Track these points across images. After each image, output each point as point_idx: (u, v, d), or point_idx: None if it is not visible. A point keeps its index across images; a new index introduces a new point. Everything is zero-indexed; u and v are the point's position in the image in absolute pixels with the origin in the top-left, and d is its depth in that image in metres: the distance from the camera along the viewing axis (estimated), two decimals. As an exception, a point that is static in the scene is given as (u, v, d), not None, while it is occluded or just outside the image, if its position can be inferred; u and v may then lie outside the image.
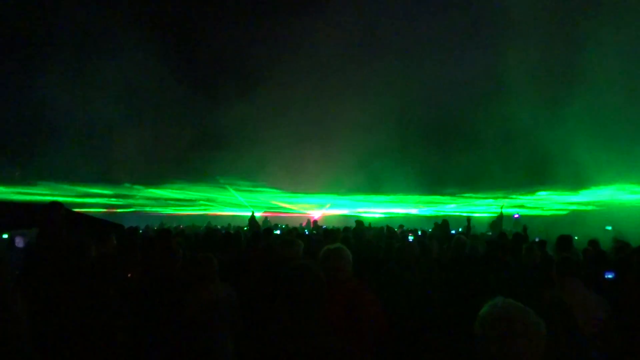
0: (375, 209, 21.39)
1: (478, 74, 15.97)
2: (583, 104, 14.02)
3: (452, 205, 20.84)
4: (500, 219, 11.52)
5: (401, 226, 11.74)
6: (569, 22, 14.64)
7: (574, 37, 14.30)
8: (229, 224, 15.36)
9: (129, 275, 3.49)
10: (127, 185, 19.44)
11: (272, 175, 19.38)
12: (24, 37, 15.30)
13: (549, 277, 3.10)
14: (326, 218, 20.01)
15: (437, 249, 5.70)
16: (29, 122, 16.24)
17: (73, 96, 15.26)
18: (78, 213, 7.47)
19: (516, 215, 14.86)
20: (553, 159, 15.35)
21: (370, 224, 11.64)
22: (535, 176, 17.37)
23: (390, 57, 17.54)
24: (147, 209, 20.22)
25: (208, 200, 21.27)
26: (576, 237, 6.49)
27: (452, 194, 20.72)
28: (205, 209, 21.17)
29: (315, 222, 14.18)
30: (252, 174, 19.93)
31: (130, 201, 19.92)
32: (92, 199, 18.63)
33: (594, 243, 6.24)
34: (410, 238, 7.08)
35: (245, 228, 11.83)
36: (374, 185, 19.77)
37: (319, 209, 21.08)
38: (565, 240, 4.77)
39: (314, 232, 11.12)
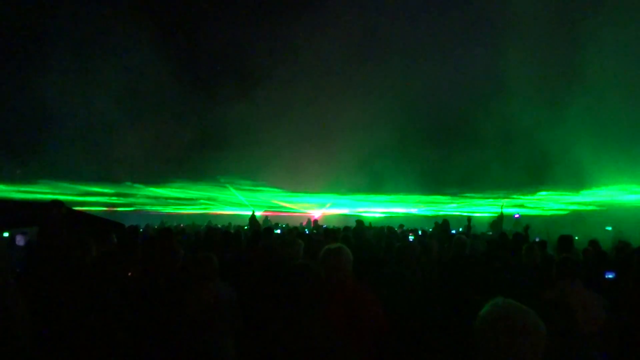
0: (375, 209, 21.41)
1: (479, 74, 15.98)
2: (584, 104, 14.02)
3: (453, 205, 20.85)
4: (500, 218, 11.51)
5: (401, 226, 11.75)
6: (570, 22, 14.63)
7: (575, 37, 14.28)
8: (229, 223, 15.36)
9: (129, 274, 3.49)
10: (128, 184, 19.47)
11: (272, 174, 19.39)
12: (25, 35, 15.31)
13: (549, 277, 3.10)
14: (326, 217, 20.03)
15: (438, 249, 5.70)
16: (30, 120, 16.26)
17: (74, 95, 15.28)
18: (79, 212, 7.48)
19: (517, 215, 14.86)
20: (554, 159, 15.35)
21: (370, 223, 11.64)
22: (536, 176, 17.37)
23: (390, 56, 17.56)
24: (148, 207, 20.26)
25: (209, 199, 21.30)
26: (576, 237, 6.48)
27: (452, 194, 20.73)
28: (205, 208, 21.20)
29: (315, 221, 14.18)
30: (252, 173, 19.97)
31: (131, 200, 19.96)
32: (93, 197, 18.67)
33: (594, 243, 6.24)
34: (411, 238, 7.09)
35: (246, 227, 11.83)
36: (374, 184, 19.78)
37: (319, 208, 21.10)
38: (566, 241, 4.76)
39: (314, 231, 11.12)
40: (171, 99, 18.38)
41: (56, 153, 15.45)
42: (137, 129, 17.23)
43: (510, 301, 1.43)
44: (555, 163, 15.39)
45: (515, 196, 18.98)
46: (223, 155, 18.51)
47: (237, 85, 17.73)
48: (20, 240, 5.53)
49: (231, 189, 20.60)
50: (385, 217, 20.22)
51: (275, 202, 21.10)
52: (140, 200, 20.19)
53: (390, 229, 9.26)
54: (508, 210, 14.60)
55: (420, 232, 9.71)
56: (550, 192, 18.50)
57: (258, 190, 20.88)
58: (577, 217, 15.56)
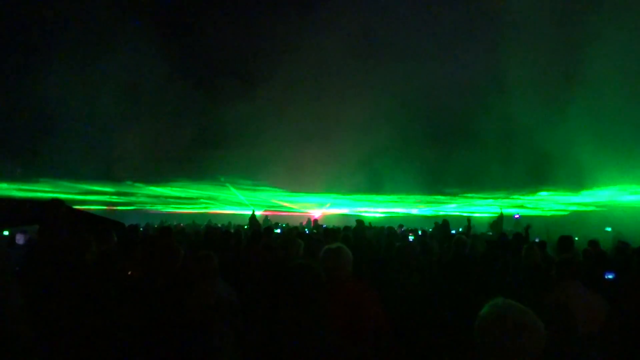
0: (375, 209, 21.42)
1: (479, 74, 15.96)
2: (584, 105, 14.01)
3: (453, 205, 20.85)
4: (500, 219, 11.51)
5: (401, 226, 11.75)
6: (571, 22, 14.62)
7: (576, 37, 14.27)
8: (230, 222, 15.37)
9: (129, 273, 3.49)
10: (129, 182, 19.47)
11: (272, 174, 19.40)
12: (25, 34, 15.31)
13: (549, 278, 3.10)
14: (326, 217, 20.04)
15: (438, 249, 5.70)
16: (30, 119, 16.26)
17: (75, 93, 15.28)
18: (79, 210, 7.48)
19: (517, 216, 14.86)
20: (555, 160, 15.35)
21: (370, 223, 11.64)
22: (536, 176, 17.37)
23: (391, 56, 17.56)
24: (148, 206, 20.26)
25: (209, 198, 21.31)
26: (576, 238, 6.49)
27: (453, 194, 20.73)
28: (206, 207, 21.20)
29: (315, 221, 14.18)
30: (253, 172, 19.97)
31: (132, 199, 19.96)
32: (93, 196, 18.67)
33: (594, 244, 6.24)
34: (411, 238, 7.10)
35: (246, 227, 11.84)
36: (374, 184, 19.79)
37: (319, 208, 21.10)
38: (566, 241, 4.76)
39: (314, 231, 11.12)
40: (172, 98, 18.39)
41: (57, 152, 15.45)
42: (137, 128, 17.25)
43: (510, 301, 1.43)
44: (555, 163, 15.39)
45: (515, 196, 19.00)
46: (223, 155, 18.52)
47: (238, 84, 17.74)
48: (20, 239, 5.53)
49: (231, 188, 20.61)
50: (385, 217, 20.24)
51: (275, 201, 21.13)
52: (141, 199, 20.22)
53: (390, 228, 9.26)
54: (508, 211, 14.61)
55: (420, 232, 9.71)
56: (550, 193, 18.51)
57: (258, 190, 20.91)
58: (577, 218, 15.57)
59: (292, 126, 17.84)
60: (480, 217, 16.42)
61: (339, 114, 17.95)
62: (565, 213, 17.56)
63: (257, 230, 5.97)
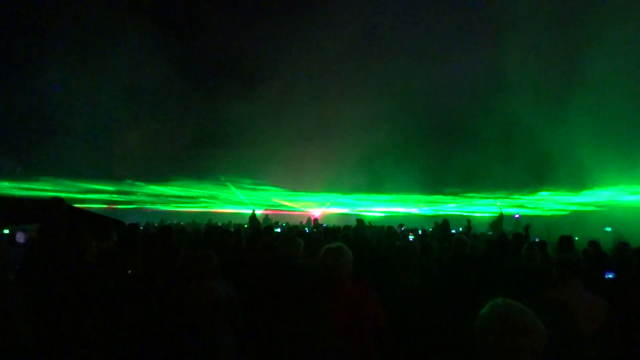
0: (375, 208, 21.43)
1: (480, 73, 15.95)
2: (584, 105, 14.00)
3: (453, 205, 20.85)
4: (500, 219, 11.52)
5: (400, 225, 11.75)
6: (572, 21, 14.60)
7: (577, 37, 14.27)
8: (230, 222, 15.38)
9: (129, 272, 3.49)
10: (129, 181, 19.48)
11: (273, 173, 19.41)
12: (26, 32, 15.31)
13: (549, 278, 3.10)
14: (326, 216, 20.05)
15: (438, 249, 5.70)
16: (31, 117, 16.27)
17: (76, 92, 15.29)
18: (79, 209, 7.49)
19: (517, 216, 14.87)
20: (555, 159, 15.35)
21: (370, 222, 11.64)
22: (537, 176, 17.37)
23: (391, 55, 17.53)
24: (149, 205, 20.26)
25: (210, 197, 21.32)
26: (576, 238, 6.48)
27: (453, 194, 20.73)
28: (206, 207, 21.21)
29: (315, 220, 14.19)
30: (253, 171, 19.99)
31: (132, 198, 19.97)
32: (94, 195, 18.68)
33: (594, 244, 6.24)
34: (411, 237, 7.09)
35: (246, 226, 11.84)
36: (374, 184, 19.80)
37: (320, 207, 21.11)
38: (566, 241, 4.76)
39: (314, 230, 11.13)
40: (172, 98, 18.40)
41: (57, 150, 15.47)
42: (138, 127, 17.26)
43: (510, 301, 1.43)
44: (557, 163, 15.39)
45: (515, 196, 18.99)
46: (224, 154, 18.52)
47: (238, 83, 17.75)
48: (20, 237, 5.53)
49: (231, 187, 20.62)
50: (385, 216, 20.24)
51: (276, 200, 21.14)
52: (141, 198, 20.23)
53: (390, 228, 9.26)
54: (508, 210, 14.61)
55: (420, 232, 9.71)
56: (550, 193, 18.51)
57: (259, 189, 20.92)
58: (577, 218, 15.57)
59: (292, 125, 17.86)
60: (480, 217, 16.43)
61: (339, 113, 17.96)
62: (565, 213, 17.57)
63: (258, 229, 5.97)
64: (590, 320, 2.55)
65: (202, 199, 21.40)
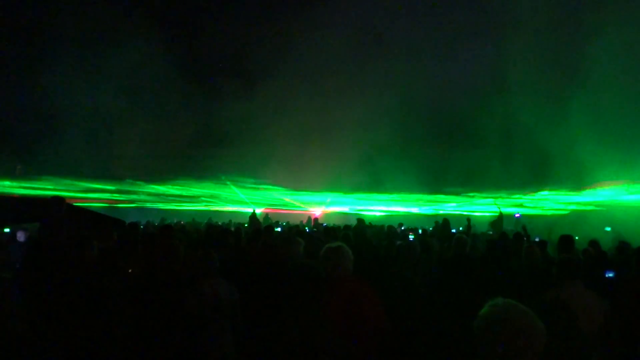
0: (376, 207, 21.41)
1: (481, 72, 15.95)
2: (585, 104, 13.98)
3: (453, 204, 20.82)
4: (500, 218, 11.51)
5: (400, 224, 11.75)
6: (573, 20, 14.58)
7: (578, 36, 14.24)
8: (230, 221, 15.37)
9: (130, 270, 3.50)
10: (130, 181, 19.47)
11: (273, 172, 19.40)
12: (28, 31, 15.32)
13: (549, 278, 3.10)
14: (327, 216, 20.03)
15: (438, 248, 5.70)
16: (32, 116, 16.29)
17: (77, 91, 15.30)
18: (80, 208, 7.49)
19: (517, 215, 14.86)
20: (556, 159, 15.33)
21: (370, 222, 11.64)
22: (537, 176, 17.34)
23: (392, 55, 17.54)
24: (149, 204, 20.25)
25: (212, 196, 21.31)
26: (577, 238, 6.49)
27: (454, 193, 20.69)
28: (207, 206, 21.19)
29: (315, 219, 14.18)
30: (254, 170, 19.97)
31: (133, 197, 19.96)
32: (95, 194, 18.68)
33: (594, 244, 6.24)
34: (411, 237, 7.09)
35: (246, 225, 11.84)
36: (375, 183, 19.78)
37: (320, 206, 21.10)
38: (566, 241, 4.75)
39: (315, 229, 11.13)
40: (173, 97, 18.40)
41: (58, 149, 15.48)
42: (139, 126, 17.26)
43: (510, 301, 1.43)
44: (557, 163, 15.37)
45: (517, 196, 18.96)
46: (225, 153, 18.52)
47: (239, 83, 17.75)
48: (21, 236, 5.54)
49: (232, 186, 20.61)
50: (385, 215, 20.22)
51: (276, 199, 21.13)
52: (142, 197, 20.22)
53: (390, 227, 9.26)
54: (508, 210, 14.60)
55: (420, 231, 9.71)
56: (551, 192, 18.49)
57: (259, 189, 20.90)
58: (577, 218, 15.55)
59: (293, 125, 17.86)
60: (481, 217, 16.42)
61: (340, 112, 17.96)
62: (565, 212, 17.54)
63: (258, 229, 5.97)
64: (590, 320, 2.55)
65: (202, 199, 21.40)
